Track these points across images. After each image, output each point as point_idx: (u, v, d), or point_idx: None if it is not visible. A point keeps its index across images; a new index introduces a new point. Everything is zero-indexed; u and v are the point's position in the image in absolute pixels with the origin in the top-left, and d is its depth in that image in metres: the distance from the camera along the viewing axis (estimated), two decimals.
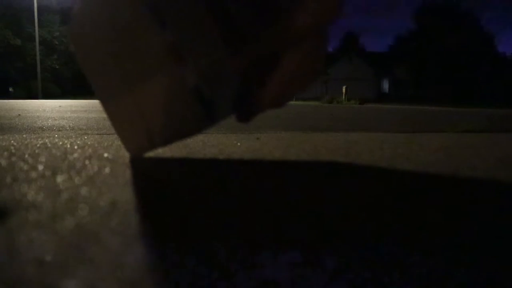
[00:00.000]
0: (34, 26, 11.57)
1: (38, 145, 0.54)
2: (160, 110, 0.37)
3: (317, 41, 0.34)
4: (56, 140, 0.61)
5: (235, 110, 0.38)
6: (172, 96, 0.36)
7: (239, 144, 0.60)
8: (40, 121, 1.25)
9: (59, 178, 0.34)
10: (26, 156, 0.45)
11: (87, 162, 0.42)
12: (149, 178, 0.36)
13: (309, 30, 0.33)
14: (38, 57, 11.29)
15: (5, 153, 0.47)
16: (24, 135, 0.71)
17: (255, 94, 0.36)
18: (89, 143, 0.58)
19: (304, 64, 0.35)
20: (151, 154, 0.48)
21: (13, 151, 0.49)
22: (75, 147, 0.54)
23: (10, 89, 12.91)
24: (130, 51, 0.35)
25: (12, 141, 0.59)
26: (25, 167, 0.39)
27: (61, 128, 0.98)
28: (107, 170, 0.38)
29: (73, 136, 0.68)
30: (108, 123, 1.18)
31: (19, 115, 1.58)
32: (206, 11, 0.33)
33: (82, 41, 0.38)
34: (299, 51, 0.34)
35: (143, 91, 0.37)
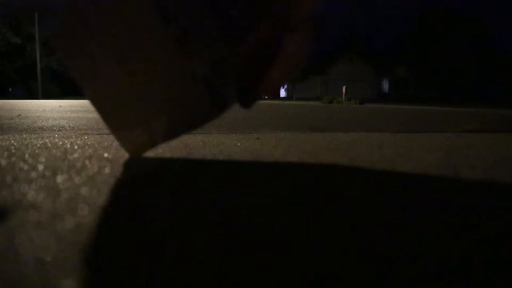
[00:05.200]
0: (34, 26, 11.56)
1: (38, 145, 0.54)
2: (169, 105, 0.37)
3: (308, 27, 0.37)
4: (56, 140, 0.61)
5: (239, 97, 0.40)
6: (182, 89, 0.36)
7: (239, 144, 0.60)
8: (40, 121, 1.25)
9: (59, 178, 0.34)
10: (26, 156, 0.45)
11: (87, 162, 0.42)
12: (150, 179, 0.36)
13: (299, 19, 0.36)
14: (38, 57, 11.28)
15: (6, 153, 0.47)
16: (24, 135, 0.71)
17: (256, 80, 0.39)
18: (89, 143, 0.58)
19: (298, 49, 0.38)
20: (151, 154, 0.48)
21: (13, 151, 0.49)
22: (75, 147, 0.54)
23: (10, 89, 12.93)
24: (133, 49, 0.35)
25: (13, 141, 0.59)
26: (25, 167, 0.39)
27: (61, 128, 0.98)
28: (107, 170, 0.38)
29: (73, 136, 0.68)
30: None
31: (19, 115, 1.58)
32: (204, 5, 0.34)
33: (69, 42, 0.38)
34: (295, 37, 0.37)
35: (149, 88, 0.37)
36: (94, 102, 0.40)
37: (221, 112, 0.39)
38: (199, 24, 0.34)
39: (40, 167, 0.39)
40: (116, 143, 0.58)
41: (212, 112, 0.38)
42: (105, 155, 0.47)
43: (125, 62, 0.36)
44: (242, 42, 0.36)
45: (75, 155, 0.46)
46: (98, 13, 0.35)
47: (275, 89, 0.40)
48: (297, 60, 0.38)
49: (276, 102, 6.78)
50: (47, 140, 0.60)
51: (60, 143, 0.58)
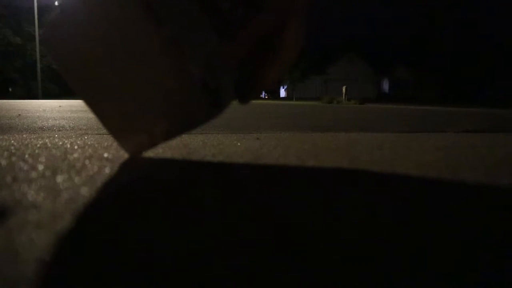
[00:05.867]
0: (34, 26, 11.58)
1: (38, 145, 0.54)
2: (167, 105, 0.37)
3: (301, 19, 0.37)
4: (56, 140, 0.62)
5: (237, 94, 0.40)
6: (179, 89, 0.36)
7: (239, 144, 0.60)
8: (40, 121, 1.25)
9: (59, 178, 0.34)
10: (26, 156, 0.45)
11: (87, 162, 0.42)
12: (150, 179, 0.36)
13: (293, 12, 0.36)
14: (38, 57, 11.30)
15: (6, 153, 0.47)
16: (24, 135, 0.71)
17: (254, 76, 0.39)
18: (89, 143, 0.58)
19: (293, 42, 0.38)
20: (151, 154, 0.48)
21: (13, 151, 0.49)
22: (75, 147, 0.54)
23: (10, 89, 12.99)
24: (126, 51, 0.35)
25: (12, 141, 0.59)
26: (25, 167, 0.39)
27: (61, 128, 0.98)
28: (107, 170, 0.38)
29: (73, 136, 0.68)
30: None
31: (19, 115, 1.58)
32: (197, 4, 0.34)
33: (61, 45, 0.38)
34: (289, 31, 0.37)
35: (146, 88, 0.37)
36: (90, 105, 0.40)
37: (220, 111, 0.39)
38: (193, 23, 0.34)
39: (40, 167, 0.39)
40: (116, 143, 0.58)
41: (210, 111, 0.38)
42: (105, 155, 0.47)
43: (119, 64, 0.36)
44: (236, 38, 0.36)
45: (75, 155, 0.46)
46: (89, 16, 0.35)
47: (272, 82, 0.40)
48: (293, 53, 0.39)
49: (276, 102, 6.79)
50: (47, 140, 0.60)
51: (60, 143, 0.58)
